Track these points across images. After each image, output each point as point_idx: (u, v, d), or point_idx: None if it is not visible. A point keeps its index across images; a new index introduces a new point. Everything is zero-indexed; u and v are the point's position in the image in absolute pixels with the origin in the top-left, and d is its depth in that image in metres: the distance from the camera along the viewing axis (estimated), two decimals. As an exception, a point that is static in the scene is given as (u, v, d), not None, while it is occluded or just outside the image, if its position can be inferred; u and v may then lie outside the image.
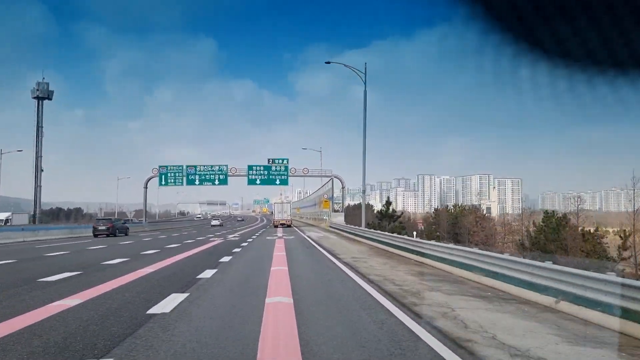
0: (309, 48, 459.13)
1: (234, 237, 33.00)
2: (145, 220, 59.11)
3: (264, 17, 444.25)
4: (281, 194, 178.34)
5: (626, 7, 1.60)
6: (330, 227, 45.04)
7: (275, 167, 60.67)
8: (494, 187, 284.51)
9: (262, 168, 60.69)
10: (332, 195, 53.48)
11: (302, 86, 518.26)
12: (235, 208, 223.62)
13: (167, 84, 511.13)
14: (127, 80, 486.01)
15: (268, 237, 31.73)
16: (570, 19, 1.68)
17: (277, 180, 60.73)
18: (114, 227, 35.40)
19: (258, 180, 60.62)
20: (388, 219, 39.46)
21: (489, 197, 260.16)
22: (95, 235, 34.04)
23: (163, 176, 60.18)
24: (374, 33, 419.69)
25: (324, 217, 53.42)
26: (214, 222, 69.03)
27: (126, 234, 36.79)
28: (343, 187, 60.68)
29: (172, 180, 60.40)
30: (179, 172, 60.36)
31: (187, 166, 60.70)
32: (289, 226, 55.76)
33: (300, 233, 38.42)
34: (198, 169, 60.48)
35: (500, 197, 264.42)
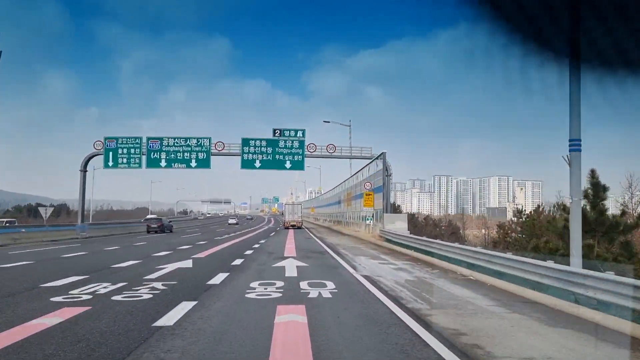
0: (323, 48, 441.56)
1: (161, 285, 11.42)
2: (82, 220, 37.79)
3: (278, 16, 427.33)
4: (291, 194, 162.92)
5: (636, 7, 1.52)
6: (387, 239, 23.54)
7: (285, 142, 38.84)
8: (521, 189, 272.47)
9: (264, 143, 38.77)
10: (385, 184, 31.59)
11: (316, 86, 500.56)
12: (244, 207, 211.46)
13: (180, 82, 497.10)
14: (141, 79, 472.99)
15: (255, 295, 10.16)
16: (578, 19, 1.58)
17: (288, 161, 38.65)
18: (163, 225, 41.71)
19: (258, 161, 38.70)
20: (609, 234, 15.42)
21: (510, 199, 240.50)
22: (148, 232, 39.62)
23: (111, 153, 38.57)
24: (388, 33, 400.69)
25: (368, 221, 31.70)
26: (230, 221, 71.56)
27: (171, 231, 42.71)
28: (389, 175, 38.60)
29: (125, 160, 38.71)
30: (135, 148, 38.83)
31: (149, 139, 38.93)
32: (299, 227, 51.09)
33: (340, 262, 16.70)
34: (165, 142, 38.90)
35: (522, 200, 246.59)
